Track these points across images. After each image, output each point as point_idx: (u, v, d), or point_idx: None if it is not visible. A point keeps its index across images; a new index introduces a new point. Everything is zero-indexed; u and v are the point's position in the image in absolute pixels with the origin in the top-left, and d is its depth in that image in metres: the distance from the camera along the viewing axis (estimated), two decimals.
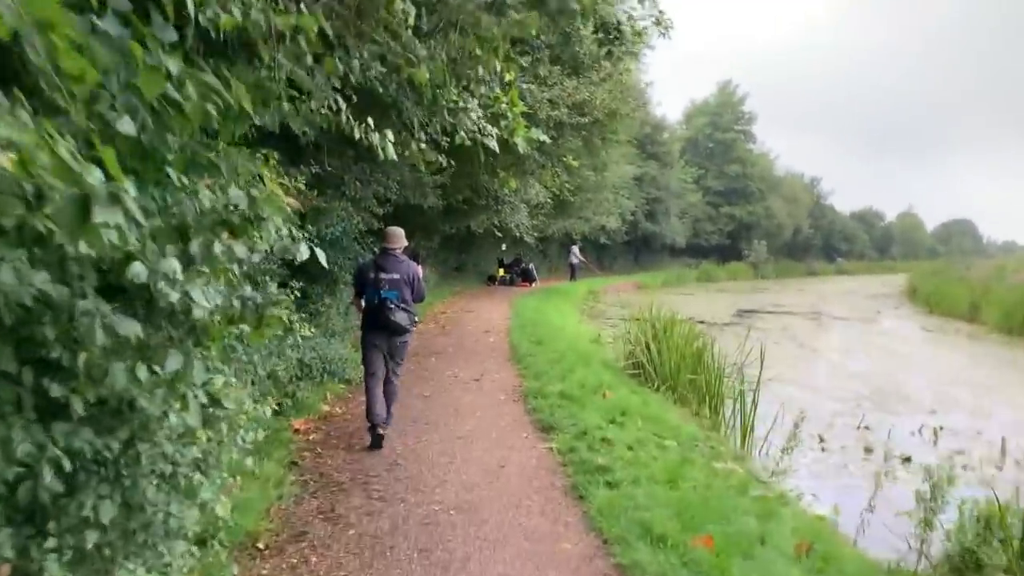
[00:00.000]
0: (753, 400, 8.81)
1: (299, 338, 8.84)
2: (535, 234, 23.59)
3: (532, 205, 19.31)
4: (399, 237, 6.58)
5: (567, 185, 19.55)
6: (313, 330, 9.58)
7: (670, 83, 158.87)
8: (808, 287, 48.99)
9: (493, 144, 6.60)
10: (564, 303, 22.70)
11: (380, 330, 6.31)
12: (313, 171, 8.01)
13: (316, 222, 8.03)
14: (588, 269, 35.20)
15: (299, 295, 10.39)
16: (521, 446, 6.55)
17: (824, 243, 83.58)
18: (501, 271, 29.47)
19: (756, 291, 42.26)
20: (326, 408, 7.47)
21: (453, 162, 7.87)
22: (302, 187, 7.89)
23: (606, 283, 34.65)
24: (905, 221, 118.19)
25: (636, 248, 50.81)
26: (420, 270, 6.78)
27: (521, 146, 7.52)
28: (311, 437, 6.69)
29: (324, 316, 10.16)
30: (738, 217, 61.52)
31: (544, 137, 7.77)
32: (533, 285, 29.20)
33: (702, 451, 6.87)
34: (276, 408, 6.61)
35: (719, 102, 65.15)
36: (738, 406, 9.01)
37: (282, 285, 9.77)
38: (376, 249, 7.74)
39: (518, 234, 21.70)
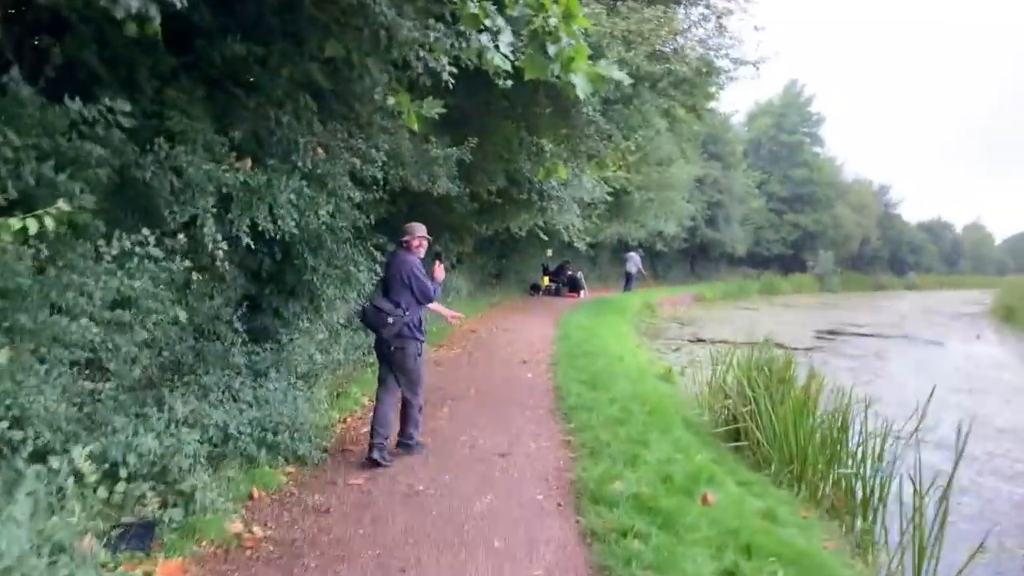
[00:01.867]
0: (941, 505, 5.46)
1: (234, 388, 5.90)
2: (587, 239, 20.28)
3: (585, 204, 16.04)
4: (412, 228, 6.04)
5: (628, 179, 16.28)
6: (275, 372, 6.64)
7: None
8: (881, 303, 44.95)
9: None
10: (618, 320, 19.45)
11: (375, 335, 5.91)
12: (246, 129, 5.01)
13: (250, 207, 5.00)
14: (645, 279, 31.70)
15: (245, 318, 7.53)
16: None
17: (891, 255, 78.96)
18: (546, 280, 26.29)
19: (826, 307, 38.45)
20: (236, 527, 4.37)
21: (473, 140, 4.96)
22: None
23: (661, 294, 31.23)
24: (973, 234, 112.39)
25: (692, 256, 47.22)
26: (416, 266, 5.84)
27: (581, 89, 4.58)
28: None
29: (287, 350, 7.17)
30: (802, 225, 57.55)
31: (621, 75, 4.66)
32: (581, 295, 25.98)
33: None
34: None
35: (784, 102, 61.19)
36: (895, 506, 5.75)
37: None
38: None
39: (567, 238, 18.47)
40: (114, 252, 4.02)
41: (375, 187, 7.14)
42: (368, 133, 6.46)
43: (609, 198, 16.64)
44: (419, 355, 5.88)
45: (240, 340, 7.13)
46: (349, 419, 7.03)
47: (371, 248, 8.69)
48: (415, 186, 8.20)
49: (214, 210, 4.69)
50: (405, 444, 5.96)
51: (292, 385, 6.65)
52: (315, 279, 7.82)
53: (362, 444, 6.17)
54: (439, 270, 6.26)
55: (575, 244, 19.04)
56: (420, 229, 6.08)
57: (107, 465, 4.18)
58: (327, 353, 7.91)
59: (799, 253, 59.11)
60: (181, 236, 4.29)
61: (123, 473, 4.20)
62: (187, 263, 4.57)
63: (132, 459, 4.27)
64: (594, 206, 17.04)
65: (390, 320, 5.61)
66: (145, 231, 4.14)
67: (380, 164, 6.72)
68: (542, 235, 18.18)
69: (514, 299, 23.23)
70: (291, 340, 7.50)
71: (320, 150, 5.68)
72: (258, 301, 8.13)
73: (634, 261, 30.00)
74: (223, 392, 5.81)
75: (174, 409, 5.11)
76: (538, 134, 9.99)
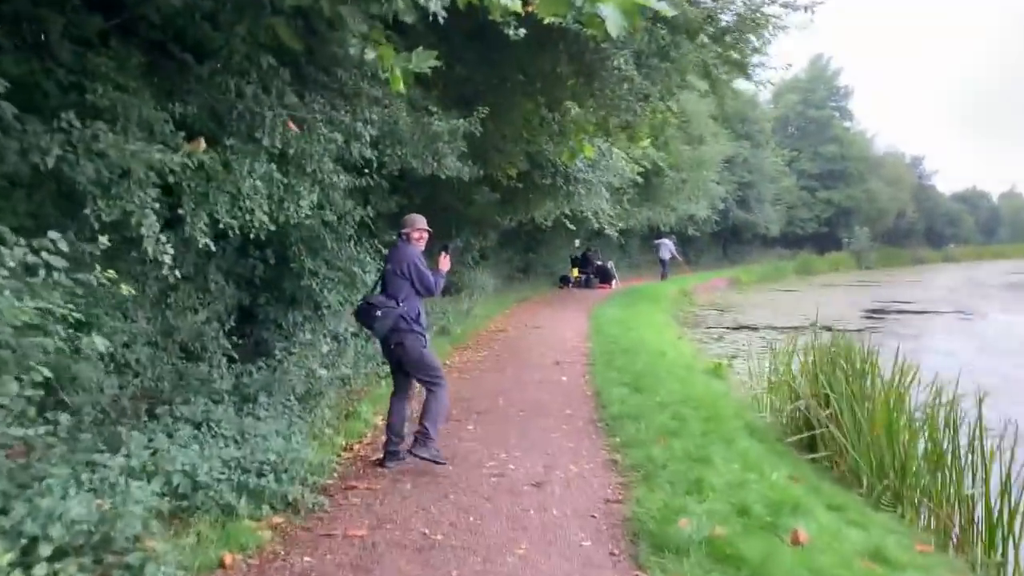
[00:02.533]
0: None
1: (214, 420, 4.94)
2: (619, 224, 19.06)
3: (614, 188, 14.89)
4: (409, 218, 5.66)
5: (659, 159, 15.08)
6: (266, 396, 5.68)
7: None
8: (923, 277, 43.28)
9: None
10: (654, 310, 18.31)
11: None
12: (198, 103, 4.00)
13: (206, 198, 3.99)
14: (680, 265, 30.35)
15: (238, 332, 6.60)
16: None
17: (927, 228, 76.77)
18: (575, 271, 25.16)
19: (867, 284, 36.95)
20: None
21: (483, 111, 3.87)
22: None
23: (695, 280, 29.93)
24: (1010, 202, 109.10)
25: (724, 239, 45.75)
26: (416, 257, 5.42)
27: (613, 24, 3.57)
28: None
29: (284, 367, 6.20)
30: (836, 202, 55.80)
31: (661, 3, 3.57)
32: (613, 286, 24.85)
33: None
34: None
35: (811, 77, 59.42)
36: None
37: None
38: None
39: (596, 224, 17.30)
40: (10, 264, 3.03)
41: (367, 170, 6.09)
42: (354, 105, 5.42)
43: (639, 180, 15.45)
44: (424, 347, 5.47)
45: (227, 359, 6.18)
46: (357, 445, 6.01)
47: (379, 246, 7.70)
48: (419, 169, 7.09)
49: (156, 204, 3.69)
50: (422, 438, 5.29)
51: (287, 410, 5.67)
52: (314, 284, 6.87)
53: (370, 477, 5.18)
54: (445, 261, 5.76)
55: (606, 231, 17.85)
56: (420, 220, 5.67)
57: (24, 540, 3.21)
58: (332, 368, 6.91)
59: (833, 231, 57.45)
60: (104, 238, 3.28)
61: (44, 551, 3.22)
62: (172, 272, 3.58)
63: (56, 530, 3.28)
64: (623, 191, 15.87)
65: (378, 313, 5.26)
66: (54, 234, 3.14)
67: (370, 141, 5.66)
68: (569, 224, 17.08)
69: (543, 293, 22.16)
70: (289, 355, 6.52)
71: (293, 125, 4.64)
72: (253, 312, 7.19)
73: (667, 247, 28.73)
74: (199, 427, 4.83)
75: (131, 454, 4.14)
76: (561, 108, 8.90)
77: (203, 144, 3.97)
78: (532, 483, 5.12)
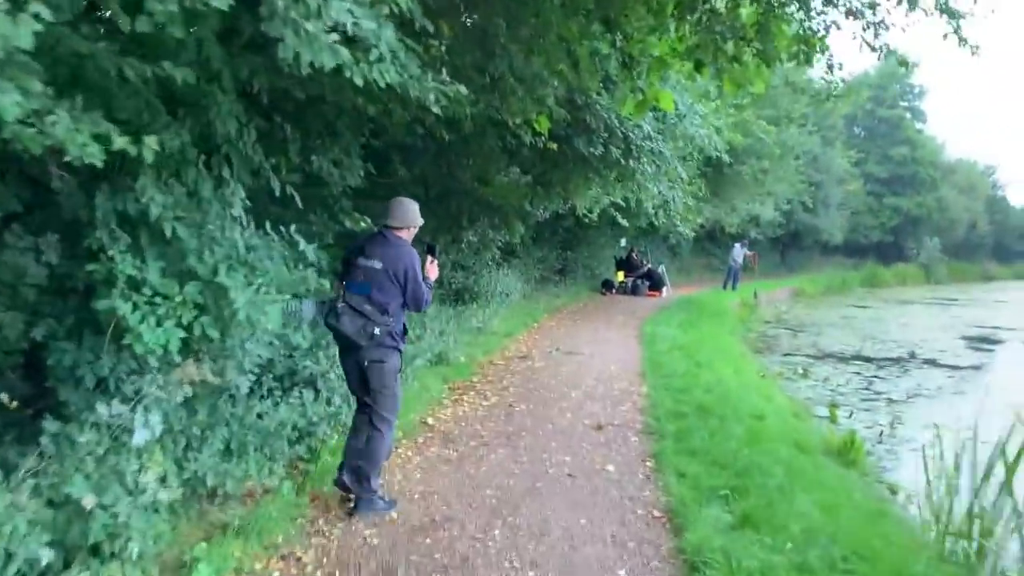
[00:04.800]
0: None
1: None
2: (698, 220, 15.09)
3: (694, 167, 11.11)
4: (403, 209, 4.41)
5: (740, 139, 11.35)
6: None
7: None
8: (1008, 296, 38.82)
9: None
10: (719, 330, 14.68)
11: (340, 344, 4.40)
12: None
13: None
14: (749, 272, 26.28)
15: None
16: None
17: (995, 242, 71.68)
18: (620, 275, 21.54)
19: (946, 303, 32.77)
20: None
21: None
22: None
23: (757, 290, 26.10)
24: None
25: (783, 245, 41.62)
26: (416, 262, 4.32)
27: None
28: None
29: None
30: (904, 210, 51.43)
31: None
32: (663, 294, 21.21)
33: None
34: None
35: (882, 73, 54.62)
36: None
37: None
38: None
39: (662, 219, 13.51)
40: None
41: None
42: None
43: (726, 158, 11.70)
44: (399, 370, 4.46)
45: None
46: None
47: (294, 235, 4.30)
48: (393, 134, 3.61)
49: None
50: (365, 500, 4.29)
51: None
52: (129, 302, 3.47)
53: None
54: (433, 268, 4.61)
55: (678, 228, 14.08)
56: (410, 209, 4.42)
57: None
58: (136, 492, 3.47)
59: (899, 240, 53.25)
60: None
61: None
62: None
63: None
64: (703, 173, 12.14)
65: (376, 331, 4.19)
66: None
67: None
68: (620, 218, 13.44)
69: (582, 300, 18.60)
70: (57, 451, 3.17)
71: None
72: (38, 352, 3.85)
73: (740, 252, 24.78)
74: None
75: None
76: (626, 28, 5.39)
77: None
78: None
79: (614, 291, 20.87)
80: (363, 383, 4.32)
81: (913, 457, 8.38)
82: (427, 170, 8.55)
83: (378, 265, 4.24)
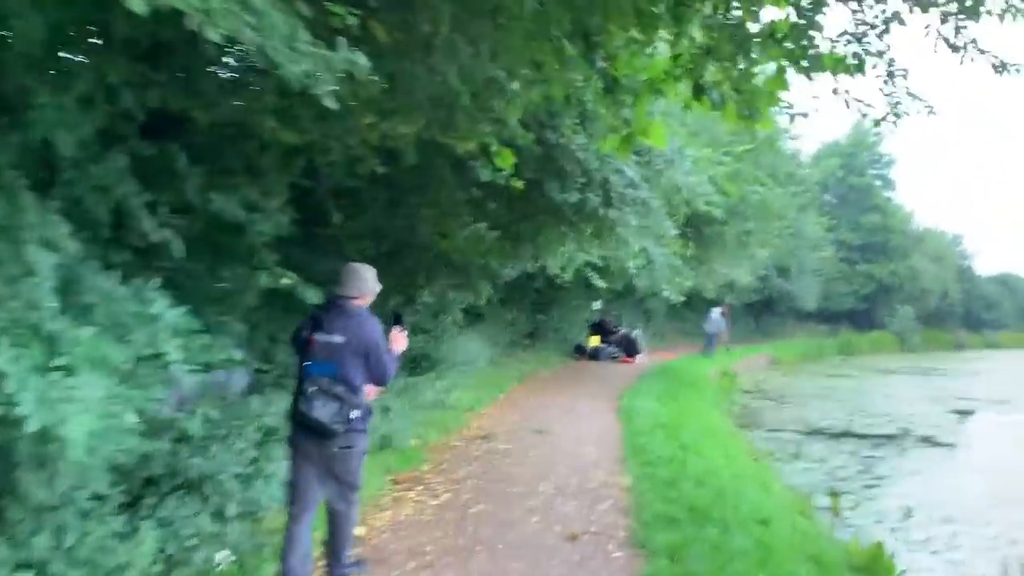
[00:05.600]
0: None
1: None
2: (685, 283, 13.92)
3: (681, 224, 9.93)
4: (359, 278, 4.05)
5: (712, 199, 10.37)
6: None
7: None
8: (982, 365, 38.26)
9: None
10: (701, 403, 13.50)
11: (304, 430, 3.84)
12: None
13: None
14: (722, 340, 25.17)
15: None
16: None
17: (965, 311, 71.95)
18: (595, 339, 20.39)
19: (926, 372, 32.02)
20: None
21: None
22: None
23: (732, 358, 25.01)
24: None
25: (757, 311, 40.77)
26: (380, 333, 4.00)
27: None
28: None
29: None
30: (877, 277, 51.29)
31: None
32: (638, 360, 20.05)
33: None
34: None
35: (852, 142, 55.28)
36: None
37: None
38: None
39: (645, 282, 12.33)
40: None
41: None
42: None
43: (717, 215, 10.60)
44: (365, 452, 4.08)
45: None
46: None
47: (148, 292, 3.07)
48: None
49: None
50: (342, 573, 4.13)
51: None
52: None
53: None
54: (401, 339, 4.21)
55: (663, 291, 12.91)
56: (366, 276, 4.06)
57: None
58: None
59: (872, 308, 52.78)
60: None
61: None
62: None
63: None
64: (694, 228, 10.99)
65: (353, 415, 3.81)
66: None
67: None
68: (597, 279, 12.31)
69: (553, 366, 17.36)
70: None
71: None
72: None
73: (716, 319, 23.70)
74: None
75: None
76: (609, 46, 4.34)
77: None
78: None
79: (587, 356, 19.70)
80: (324, 476, 3.93)
81: (938, 563, 7.24)
82: (378, 220, 7.40)
83: (339, 340, 3.89)
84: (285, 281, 5.43)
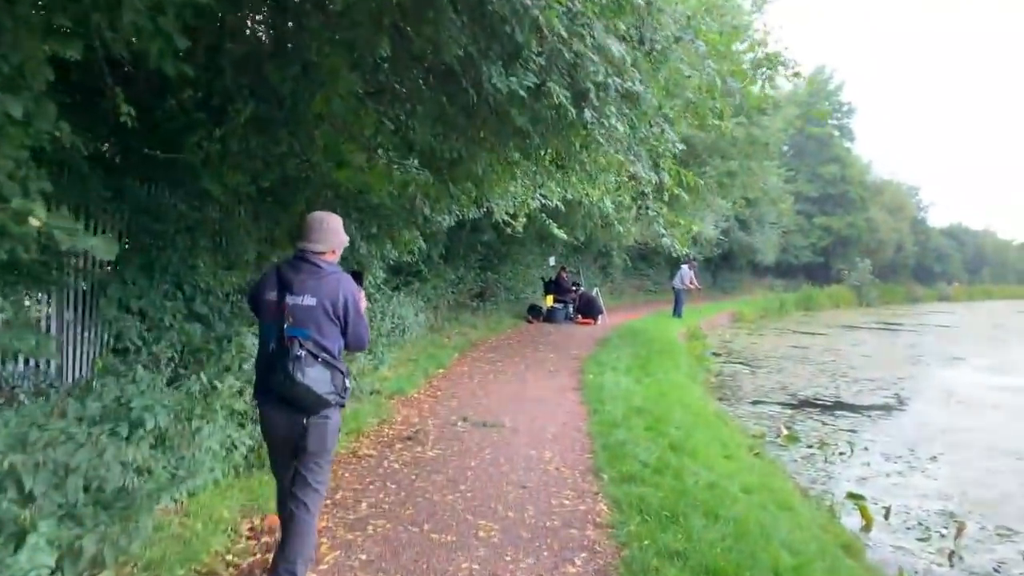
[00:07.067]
0: None
1: None
2: (633, 232, 11.77)
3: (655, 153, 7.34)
4: (326, 229, 3.46)
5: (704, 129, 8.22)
6: None
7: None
8: (944, 319, 37.42)
9: None
10: (677, 372, 11.50)
11: (278, 402, 3.32)
12: None
13: None
14: (694, 296, 23.20)
15: None
16: None
17: (916, 263, 71.92)
18: (549, 299, 18.28)
19: (892, 328, 30.98)
20: None
21: None
22: None
23: (697, 316, 23.16)
24: (989, 240, 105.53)
25: (714, 265, 39.06)
26: (356, 292, 3.44)
27: None
28: None
29: None
30: (835, 230, 50.23)
31: None
32: (598, 322, 18.06)
33: None
34: None
35: (811, 90, 53.56)
36: None
37: None
38: None
39: (608, 231, 10.10)
40: None
41: None
42: None
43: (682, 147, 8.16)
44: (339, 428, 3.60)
45: None
46: None
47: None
48: None
49: None
50: None
51: None
52: None
53: None
54: (361, 299, 3.52)
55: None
56: (332, 226, 3.48)
57: None
58: None
59: (828, 261, 51.84)
60: None
61: None
62: None
63: None
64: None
65: (347, 383, 3.41)
66: None
67: None
68: (554, 227, 10.07)
69: (504, 331, 15.20)
70: None
71: None
72: None
73: (683, 277, 21.52)
74: None
75: None
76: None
77: None
78: None
79: (542, 318, 17.60)
80: (299, 449, 3.35)
81: None
82: (251, 140, 5.07)
83: (311, 301, 3.35)
84: (33, 222, 3.18)
